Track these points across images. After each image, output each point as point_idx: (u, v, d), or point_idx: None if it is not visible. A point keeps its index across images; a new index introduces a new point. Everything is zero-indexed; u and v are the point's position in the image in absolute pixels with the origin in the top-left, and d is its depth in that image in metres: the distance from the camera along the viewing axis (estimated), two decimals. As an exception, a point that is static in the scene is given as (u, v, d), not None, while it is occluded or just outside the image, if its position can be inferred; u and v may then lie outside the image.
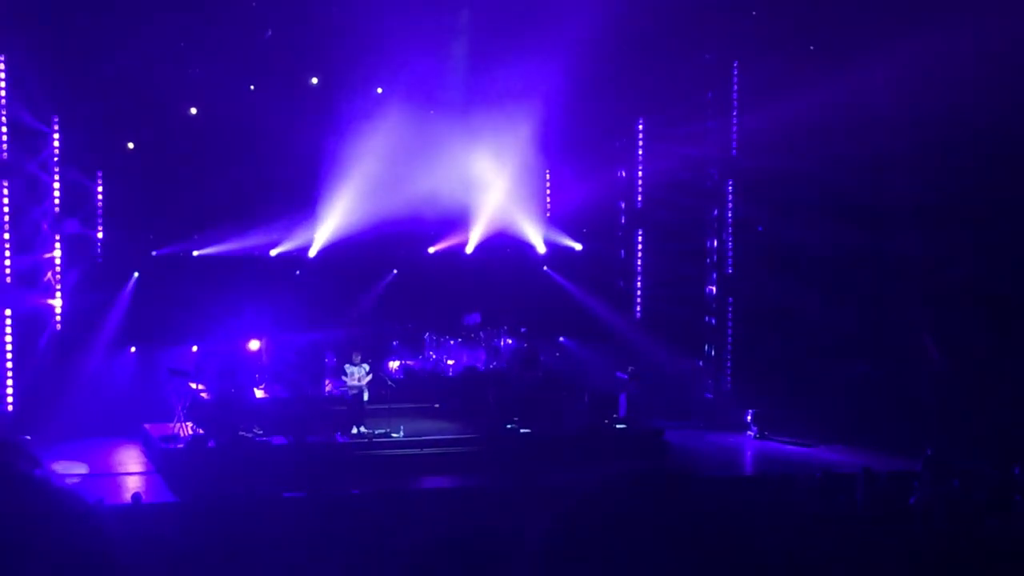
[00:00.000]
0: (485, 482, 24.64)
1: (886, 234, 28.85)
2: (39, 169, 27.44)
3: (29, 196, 27.26)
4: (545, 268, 33.24)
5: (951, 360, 28.15)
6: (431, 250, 32.13)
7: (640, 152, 32.60)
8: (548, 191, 33.70)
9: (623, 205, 33.26)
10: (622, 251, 33.37)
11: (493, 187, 31.25)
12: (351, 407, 26.43)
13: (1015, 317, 26.76)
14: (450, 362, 29.89)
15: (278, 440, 25.53)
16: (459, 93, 30.79)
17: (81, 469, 24.59)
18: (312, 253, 31.05)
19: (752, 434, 29.20)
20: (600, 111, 30.84)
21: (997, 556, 18.34)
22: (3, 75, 26.23)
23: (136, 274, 29.49)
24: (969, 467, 21.36)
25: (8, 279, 26.48)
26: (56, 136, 27.56)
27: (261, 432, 25.73)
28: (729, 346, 31.41)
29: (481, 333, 30.59)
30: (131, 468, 25.58)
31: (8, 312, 26.51)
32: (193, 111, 29.29)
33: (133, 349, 29.12)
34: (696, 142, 31.40)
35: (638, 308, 33.05)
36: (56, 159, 27.64)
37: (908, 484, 20.43)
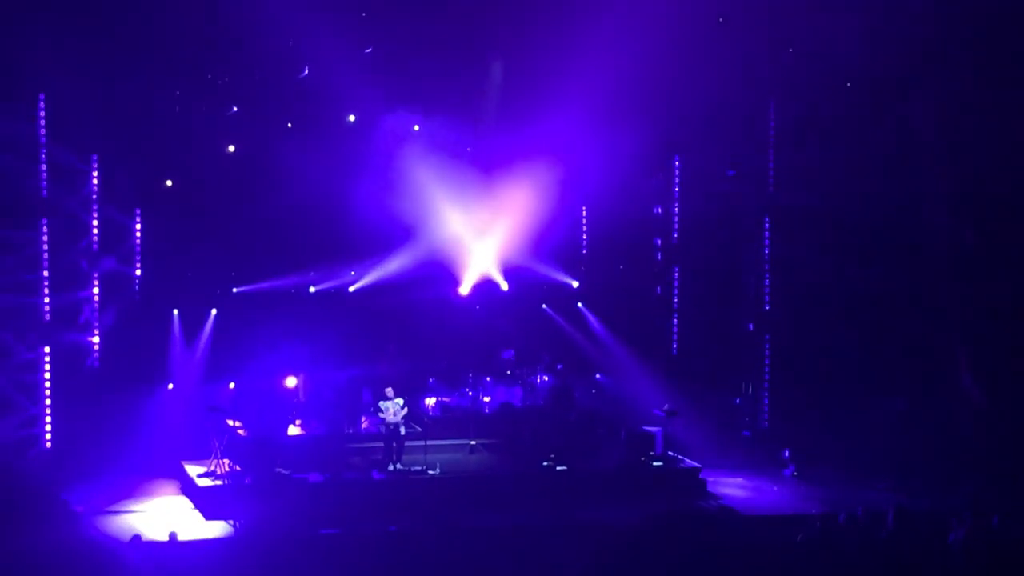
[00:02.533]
0: (522, 520, 24.57)
1: (924, 270, 28.76)
2: (78, 207, 27.61)
3: (68, 234, 27.43)
4: (580, 305, 33.22)
5: (990, 397, 27.98)
6: (464, 291, 32.13)
7: (676, 189, 32.56)
8: (585, 228, 33.72)
9: (659, 242, 33.21)
10: (659, 288, 33.29)
11: (526, 225, 31.27)
12: (387, 444, 26.43)
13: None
14: (486, 399, 29.87)
15: (315, 477, 25.54)
16: (494, 128, 30.99)
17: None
18: (352, 289, 31.32)
19: (789, 472, 29.04)
20: (637, 148, 30.83)
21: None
22: (43, 114, 26.43)
23: (176, 311, 29.66)
24: (1009, 505, 21.19)
25: (47, 316, 26.61)
26: (95, 174, 27.74)
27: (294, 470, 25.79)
28: (766, 383, 31.29)
29: (517, 370, 30.57)
30: (168, 505, 25.61)
31: (47, 349, 26.63)
32: (231, 148, 29.44)
33: (171, 386, 29.22)
34: (733, 179, 31.36)
35: (675, 345, 32.95)
36: (95, 197, 27.82)
37: (947, 522, 20.25)
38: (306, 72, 28.75)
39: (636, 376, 31.38)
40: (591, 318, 32.99)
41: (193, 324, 29.96)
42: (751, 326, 31.58)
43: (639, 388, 30.78)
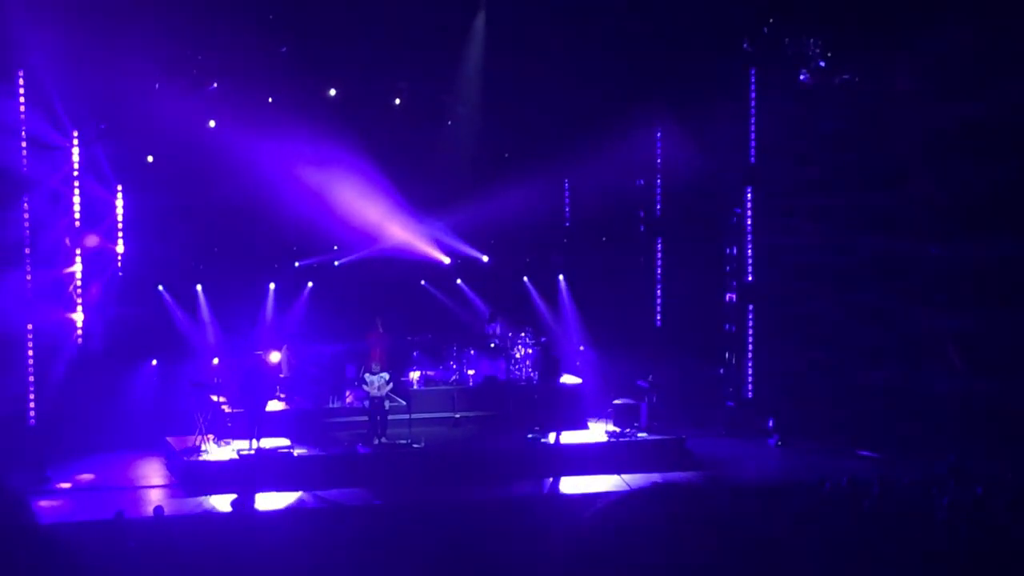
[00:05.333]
0: (507, 492, 24.64)
1: (907, 240, 28.79)
2: (60, 183, 27.52)
3: (50, 210, 27.34)
4: (560, 277, 33.26)
5: (973, 366, 28.05)
6: (446, 260, 32.25)
7: (659, 160, 32.54)
8: (567, 200, 33.72)
9: (642, 213, 33.22)
10: (641, 259, 33.31)
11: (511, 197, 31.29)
12: (372, 418, 26.46)
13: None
14: (470, 372, 29.90)
15: (300, 451, 25.58)
16: (476, 100, 31.06)
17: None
18: (337, 264, 31.46)
19: (774, 441, 29.15)
20: (618, 119, 30.83)
21: (1022, 566, 18.25)
22: (22, 90, 26.30)
23: (161, 287, 29.71)
24: (993, 474, 21.27)
25: (30, 293, 26.54)
26: (76, 150, 27.64)
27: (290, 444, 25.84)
28: (750, 354, 31.33)
29: (501, 343, 30.59)
30: (153, 481, 25.64)
31: (30, 326, 26.57)
32: (212, 124, 29.36)
33: (155, 362, 29.20)
34: (715, 149, 31.35)
35: (659, 316, 32.98)
36: (76, 173, 27.72)
37: (930, 491, 20.35)
38: (285, 49, 28.65)
39: (620, 347, 31.42)
40: (565, 292, 33.09)
41: (178, 300, 30.05)
42: (734, 296, 31.58)
43: (623, 360, 30.81)
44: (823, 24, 28.66)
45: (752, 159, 30.94)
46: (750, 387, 31.28)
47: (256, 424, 25.92)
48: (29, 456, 25.32)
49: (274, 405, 27.62)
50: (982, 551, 18.34)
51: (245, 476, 24.29)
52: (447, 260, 32.24)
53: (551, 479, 25.47)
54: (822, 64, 29.70)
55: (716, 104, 30.71)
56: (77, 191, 27.79)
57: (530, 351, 30.17)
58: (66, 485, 24.80)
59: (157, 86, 27.98)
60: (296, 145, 29.36)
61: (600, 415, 28.48)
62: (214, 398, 27.31)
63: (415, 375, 29.39)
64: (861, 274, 29.33)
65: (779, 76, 30.04)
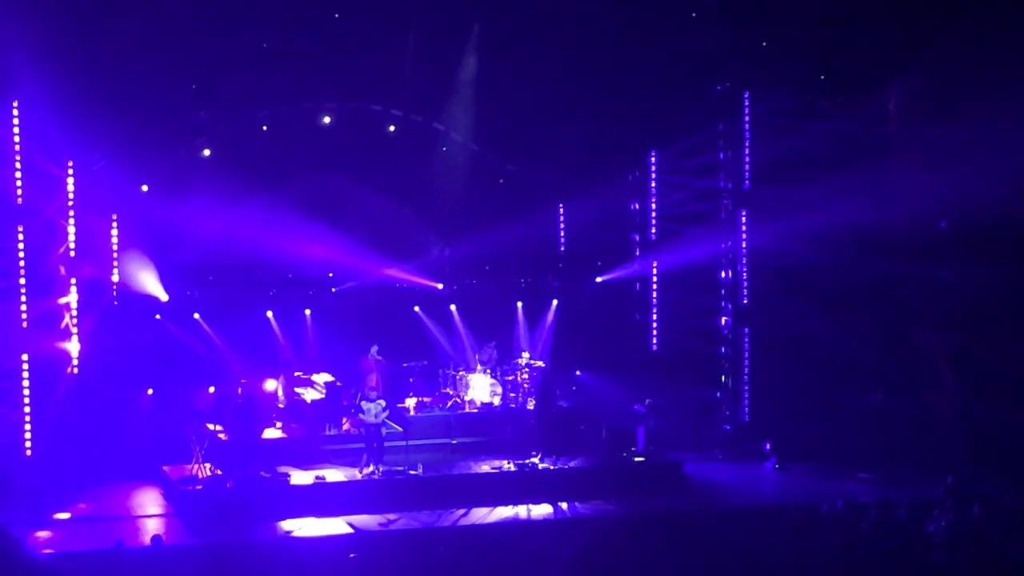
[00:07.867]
0: (504, 517, 24.61)
1: (901, 262, 28.84)
2: (55, 213, 27.48)
3: (45, 240, 27.28)
4: (554, 302, 33.28)
5: (968, 387, 28.08)
6: (439, 286, 32.36)
7: (653, 184, 32.58)
8: (562, 224, 33.75)
9: (637, 237, 33.24)
10: (637, 284, 33.34)
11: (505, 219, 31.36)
12: (369, 445, 26.39)
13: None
14: (467, 398, 29.87)
15: (297, 480, 25.53)
16: (469, 122, 31.24)
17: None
18: (334, 290, 31.53)
19: (771, 465, 29.11)
20: (613, 144, 30.91)
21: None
22: (17, 120, 26.27)
23: (158, 316, 29.73)
24: (990, 495, 21.28)
25: (25, 323, 26.49)
26: (71, 180, 27.60)
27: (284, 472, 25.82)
28: (746, 377, 31.30)
29: (498, 368, 30.56)
30: (150, 511, 25.56)
31: (25, 357, 26.52)
32: (206, 152, 29.39)
33: (150, 391, 29.16)
34: (709, 173, 31.39)
35: (654, 340, 32.98)
36: (71, 203, 27.67)
37: (928, 513, 20.35)
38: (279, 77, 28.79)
39: (617, 372, 31.43)
40: (553, 317, 33.17)
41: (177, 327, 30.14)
42: (729, 320, 31.57)
43: (620, 384, 30.82)
44: (814, 49, 28.76)
45: (747, 182, 30.96)
46: (747, 410, 31.25)
47: (253, 452, 25.87)
48: (26, 487, 25.26)
49: (271, 433, 27.61)
50: (980, 571, 18.36)
51: (242, 505, 24.32)
52: (440, 286, 32.32)
53: (547, 504, 25.41)
54: (814, 86, 29.78)
55: (711, 127, 30.83)
56: (72, 220, 27.74)
57: (526, 376, 30.16)
58: (64, 516, 24.72)
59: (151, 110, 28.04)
60: (290, 171, 29.46)
61: (597, 440, 28.44)
62: (211, 427, 27.26)
63: (411, 402, 29.37)
64: (856, 296, 29.37)
65: (772, 98, 30.09)
